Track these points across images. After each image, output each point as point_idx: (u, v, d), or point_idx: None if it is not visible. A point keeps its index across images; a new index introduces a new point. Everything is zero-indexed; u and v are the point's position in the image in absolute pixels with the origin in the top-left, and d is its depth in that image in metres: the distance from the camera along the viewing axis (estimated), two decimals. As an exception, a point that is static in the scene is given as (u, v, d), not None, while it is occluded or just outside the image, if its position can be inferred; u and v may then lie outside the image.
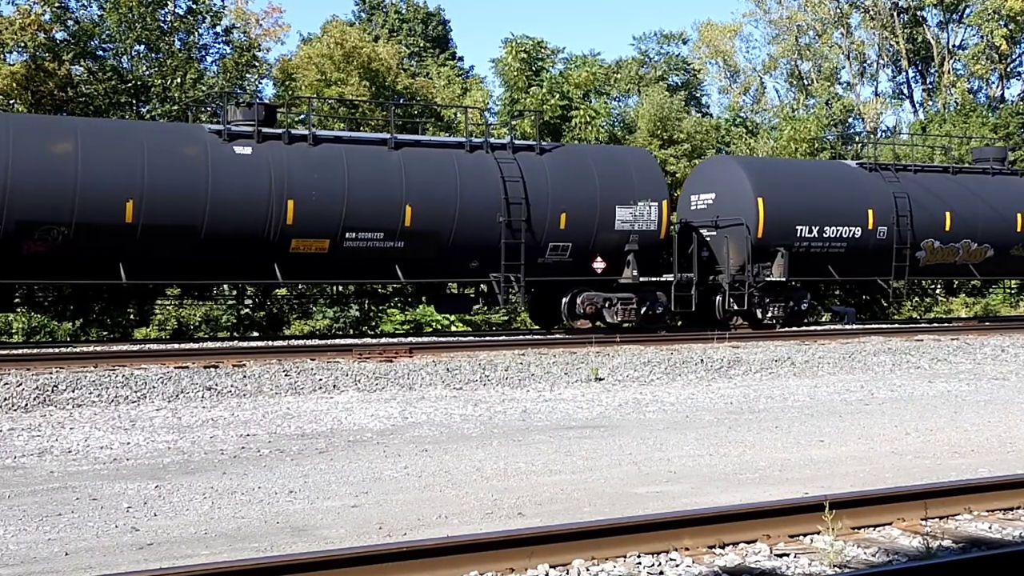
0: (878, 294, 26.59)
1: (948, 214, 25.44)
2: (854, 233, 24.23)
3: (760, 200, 23.17)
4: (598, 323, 22.10)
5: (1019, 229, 26.46)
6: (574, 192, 21.46)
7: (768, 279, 23.36)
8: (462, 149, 21.11)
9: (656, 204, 22.05)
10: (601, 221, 21.56)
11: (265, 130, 19.52)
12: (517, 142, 22.16)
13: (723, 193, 23.91)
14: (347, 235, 19.55)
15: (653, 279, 22.45)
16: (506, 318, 27.30)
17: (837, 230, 24.01)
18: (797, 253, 23.58)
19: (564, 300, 21.90)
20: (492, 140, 21.75)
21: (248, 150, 19.14)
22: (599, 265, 21.66)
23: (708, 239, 23.75)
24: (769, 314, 23.69)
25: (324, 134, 20.82)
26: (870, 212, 24.38)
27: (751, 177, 23.63)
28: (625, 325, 22.05)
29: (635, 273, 21.82)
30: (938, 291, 31.44)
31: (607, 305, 21.88)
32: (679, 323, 25.07)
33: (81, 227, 17.81)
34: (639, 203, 21.85)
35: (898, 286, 25.25)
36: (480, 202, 20.57)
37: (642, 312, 22.16)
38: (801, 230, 23.58)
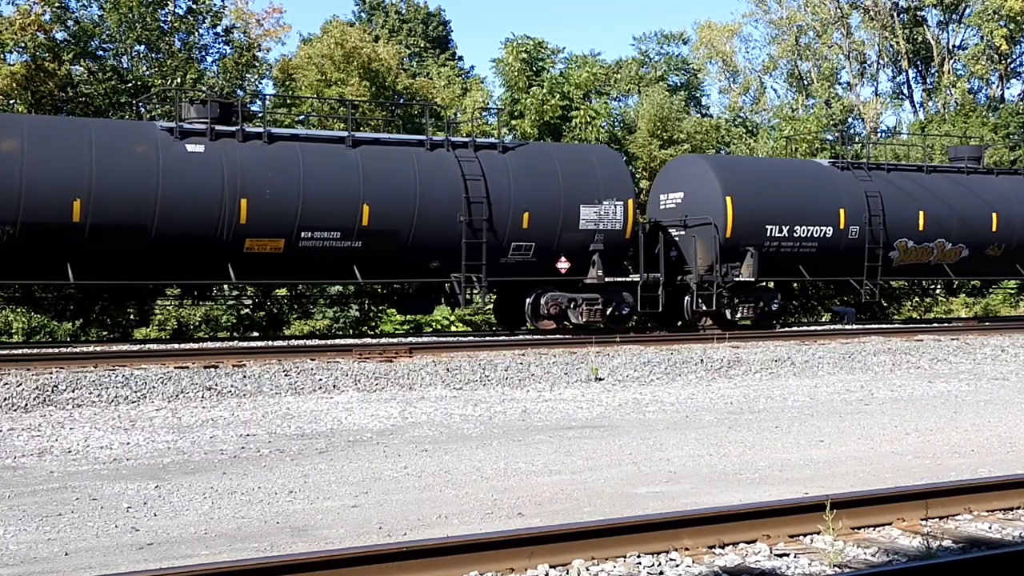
0: (851, 294, 26.16)
1: (922, 213, 25.03)
2: (825, 233, 23.86)
3: (729, 199, 22.84)
4: (563, 324, 21.82)
5: (994, 229, 26.00)
6: (538, 191, 21.18)
7: (737, 279, 23.03)
8: (422, 147, 20.78)
9: (621, 203, 21.78)
10: (565, 220, 21.29)
11: (219, 127, 19.10)
12: (479, 140, 21.84)
13: (691, 192, 23.57)
14: (303, 235, 19.23)
15: (619, 279, 22.18)
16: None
17: (808, 230, 23.65)
18: (767, 253, 23.24)
19: (528, 301, 21.57)
20: (453, 138, 21.47)
21: (200, 148, 18.79)
22: (563, 265, 21.39)
23: (677, 239, 23.45)
24: (739, 315, 23.31)
25: (280, 132, 20.50)
26: (842, 211, 24.02)
27: (720, 176, 23.29)
28: (594, 326, 21.76)
29: (600, 273, 21.52)
30: (938, 290, 31.34)
31: (572, 306, 21.57)
32: (648, 324, 24.96)
33: (27, 226, 17.46)
34: (604, 202, 21.58)
35: (871, 286, 24.73)
36: (440, 201, 20.27)
37: (608, 313, 21.81)
38: (771, 230, 23.23)
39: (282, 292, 24.62)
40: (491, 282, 20.93)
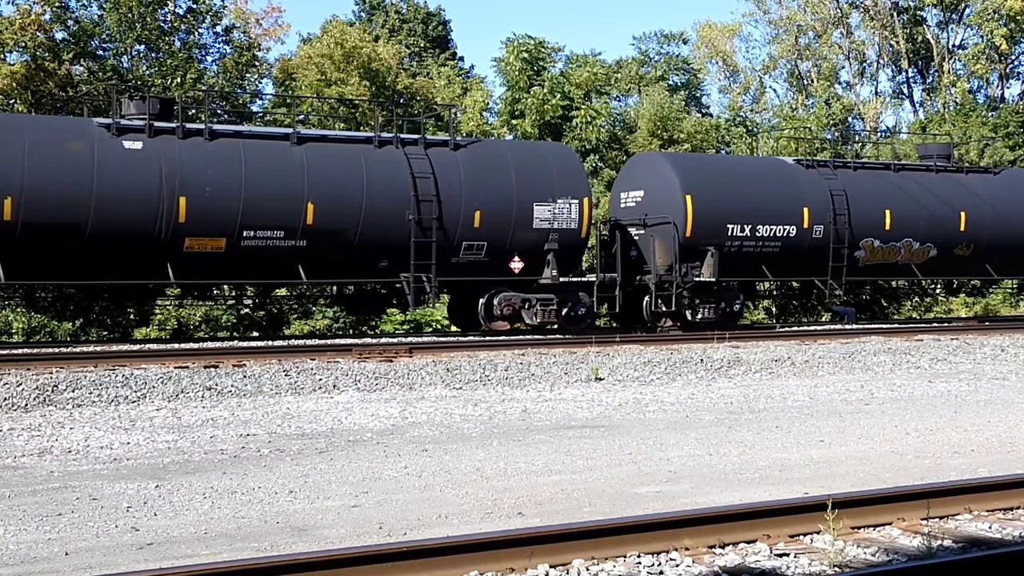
0: (815, 295, 25.50)
1: (888, 212, 24.52)
2: (789, 232, 23.37)
3: (688, 198, 22.36)
4: (518, 325, 21.46)
5: (963, 228, 25.42)
6: (489, 189, 20.73)
7: (697, 279, 22.60)
8: (370, 145, 20.35)
9: (576, 202, 21.39)
10: (518, 219, 20.85)
11: (158, 124, 18.65)
12: (430, 138, 21.51)
13: (651, 190, 23.10)
14: (245, 233, 18.78)
15: (574, 279, 21.85)
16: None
17: (771, 229, 23.17)
18: (728, 253, 22.68)
19: (481, 301, 21.09)
20: (403, 135, 21.12)
21: (138, 145, 18.28)
22: (517, 265, 21.04)
23: (636, 238, 23.04)
24: (699, 316, 22.81)
25: (222, 128, 20.05)
26: (805, 210, 23.52)
27: (679, 174, 22.82)
28: (549, 327, 21.41)
29: (555, 273, 21.13)
30: (938, 290, 31.27)
31: (526, 306, 21.18)
32: (613, 323, 24.71)
33: None
34: (559, 201, 21.19)
35: (835, 286, 24.15)
36: (388, 199, 19.80)
37: (563, 313, 21.46)
38: (732, 229, 22.75)
39: (282, 292, 24.62)
40: (442, 282, 20.57)
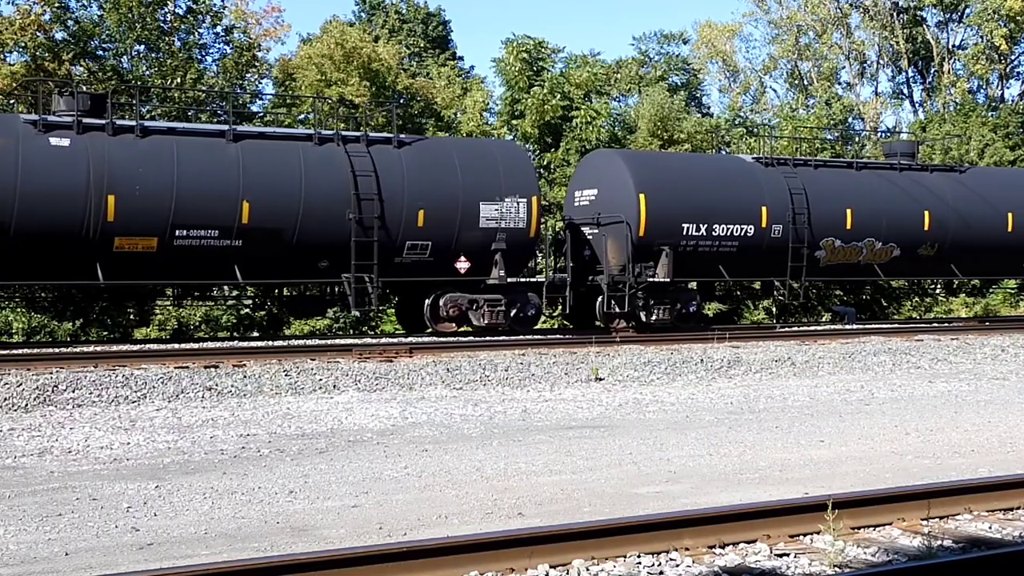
0: (776, 295, 25.17)
1: (849, 211, 24.16)
2: (746, 232, 22.94)
3: (642, 196, 21.99)
4: (465, 326, 21.28)
5: (927, 228, 24.96)
6: (434, 187, 20.46)
7: (651, 280, 22.13)
8: (310, 142, 19.98)
9: (524, 200, 21.10)
10: (464, 218, 20.58)
11: (87, 120, 18.29)
12: (372, 135, 21.23)
13: (605, 189, 22.66)
14: (177, 233, 18.47)
15: (524, 280, 21.64)
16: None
17: (727, 228, 22.78)
18: (684, 253, 22.30)
19: (427, 302, 20.87)
20: (345, 132, 20.84)
21: (66, 142, 17.92)
22: (463, 265, 20.77)
23: (590, 237, 22.75)
24: (654, 317, 22.51)
25: (155, 125, 19.80)
26: (764, 209, 23.11)
27: (633, 172, 22.34)
28: (501, 329, 21.18)
29: (502, 273, 20.83)
30: (938, 290, 31.22)
31: (473, 307, 20.93)
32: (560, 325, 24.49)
33: None
34: (506, 199, 20.89)
35: (794, 287, 23.82)
36: (327, 198, 19.53)
37: (512, 314, 21.22)
38: (687, 228, 22.32)
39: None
40: (385, 283, 20.35)
